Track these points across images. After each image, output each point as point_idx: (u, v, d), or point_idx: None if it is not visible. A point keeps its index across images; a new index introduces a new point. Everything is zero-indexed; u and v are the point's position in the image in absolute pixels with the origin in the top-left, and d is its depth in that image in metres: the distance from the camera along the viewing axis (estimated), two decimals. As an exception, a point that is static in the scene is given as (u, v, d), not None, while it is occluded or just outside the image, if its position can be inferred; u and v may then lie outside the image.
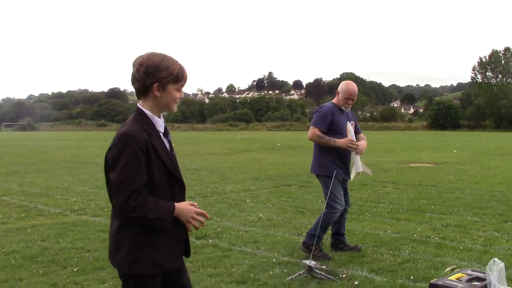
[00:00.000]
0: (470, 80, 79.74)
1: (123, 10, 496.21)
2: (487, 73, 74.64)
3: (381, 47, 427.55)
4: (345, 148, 5.42)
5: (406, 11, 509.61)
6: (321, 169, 5.62)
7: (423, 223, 7.19)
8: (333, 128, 5.54)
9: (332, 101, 5.76)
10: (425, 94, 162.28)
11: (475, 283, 3.70)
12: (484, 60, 74.70)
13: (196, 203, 2.56)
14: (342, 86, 5.68)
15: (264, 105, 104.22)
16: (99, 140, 39.40)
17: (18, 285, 4.72)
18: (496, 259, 3.62)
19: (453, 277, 3.82)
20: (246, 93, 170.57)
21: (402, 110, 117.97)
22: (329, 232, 5.92)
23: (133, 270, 2.41)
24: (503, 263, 3.65)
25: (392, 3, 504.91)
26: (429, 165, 16.39)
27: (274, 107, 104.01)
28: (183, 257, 2.65)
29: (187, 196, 2.64)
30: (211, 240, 6.28)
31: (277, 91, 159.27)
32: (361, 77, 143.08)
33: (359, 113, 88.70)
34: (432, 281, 3.84)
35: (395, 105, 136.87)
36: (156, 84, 2.44)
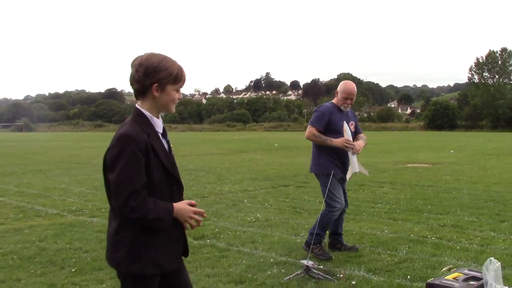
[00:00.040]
0: (467, 81, 79.91)
1: (120, 11, 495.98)
2: (484, 74, 74.77)
3: (378, 47, 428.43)
4: (341, 147, 5.45)
5: (403, 12, 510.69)
6: (319, 168, 5.66)
7: (420, 223, 7.22)
8: (330, 127, 5.56)
9: (332, 101, 5.79)
10: (422, 94, 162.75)
11: (471, 282, 3.71)
12: (481, 60, 74.87)
13: (194, 201, 2.57)
14: (340, 86, 5.71)
15: (261, 105, 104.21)
16: (96, 140, 39.36)
17: (16, 285, 4.73)
18: (492, 258, 3.64)
19: (450, 277, 3.83)
20: (244, 93, 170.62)
21: (399, 111, 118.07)
22: (327, 231, 5.93)
23: (133, 270, 2.41)
24: (499, 263, 3.67)
25: (390, 4, 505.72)
26: (426, 165, 16.43)
27: (271, 107, 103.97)
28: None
29: (184, 196, 2.65)
30: (209, 241, 6.29)
31: (274, 92, 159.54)
32: (358, 77, 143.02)
33: (356, 113, 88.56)
34: (429, 280, 3.85)
35: (392, 105, 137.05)
36: (156, 84, 2.44)
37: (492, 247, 5.82)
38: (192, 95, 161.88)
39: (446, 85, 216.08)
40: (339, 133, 5.50)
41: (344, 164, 5.65)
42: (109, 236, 2.48)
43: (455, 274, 3.89)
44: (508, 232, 6.52)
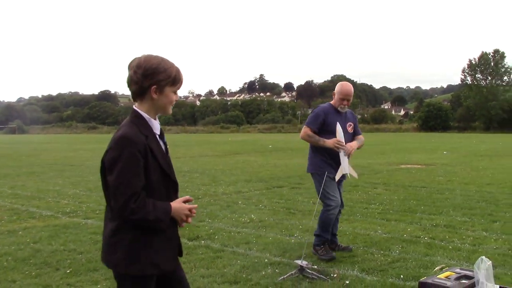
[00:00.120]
0: (460, 82, 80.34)
1: (113, 13, 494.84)
2: (476, 75, 75.15)
3: (372, 49, 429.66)
4: (332, 148, 5.49)
5: (397, 14, 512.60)
6: (314, 168, 5.74)
7: (413, 223, 7.27)
8: (326, 128, 5.61)
9: (331, 102, 5.84)
10: (416, 96, 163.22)
11: (463, 281, 3.76)
12: (473, 62, 75.27)
13: (188, 196, 2.58)
14: (337, 87, 5.76)
15: (255, 107, 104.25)
16: (90, 143, 39.27)
17: (11, 286, 4.73)
18: (483, 257, 3.68)
19: (442, 276, 3.88)
20: (238, 95, 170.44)
21: (393, 112, 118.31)
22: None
23: (132, 271, 2.41)
24: (490, 261, 3.71)
25: (383, 6, 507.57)
26: (419, 166, 16.52)
27: (265, 109, 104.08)
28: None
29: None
30: (203, 241, 6.31)
31: (268, 94, 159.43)
32: (352, 79, 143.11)
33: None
34: (422, 279, 3.90)
35: (386, 107, 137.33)
36: (154, 86, 2.43)
37: (484, 247, 5.88)
38: (186, 97, 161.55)
39: (439, 86, 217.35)
40: (334, 133, 5.54)
41: (338, 164, 5.69)
42: (105, 237, 2.48)
43: (447, 273, 3.93)
44: (500, 232, 6.59)
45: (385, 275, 4.88)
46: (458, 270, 3.99)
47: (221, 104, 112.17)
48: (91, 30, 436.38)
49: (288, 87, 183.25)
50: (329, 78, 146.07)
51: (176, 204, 2.49)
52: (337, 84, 5.82)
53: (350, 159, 5.65)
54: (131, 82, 2.46)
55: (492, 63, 74.04)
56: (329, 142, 5.48)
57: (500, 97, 70.72)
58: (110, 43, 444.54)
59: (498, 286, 3.76)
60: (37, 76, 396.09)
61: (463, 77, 77.15)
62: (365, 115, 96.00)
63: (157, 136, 2.51)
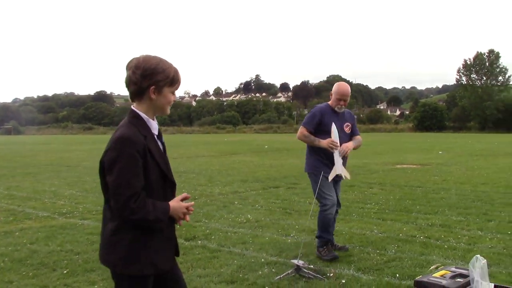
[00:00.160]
0: (455, 82, 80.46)
1: (109, 13, 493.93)
2: (471, 75, 75.36)
3: (368, 49, 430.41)
4: (327, 148, 5.51)
5: (392, 14, 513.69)
6: (310, 167, 5.77)
7: (409, 223, 7.31)
8: (322, 128, 5.62)
9: (328, 102, 5.86)
10: (411, 96, 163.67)
11: (458, 279, 3.78)
12: (468, 62, 75.48)
13: (185, 194, 2.59)
14: (334, 87, 5.78)
15: (251, 107, 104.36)
16: (86, 143, 39.21)
17: (8, 287, 4.74)
18: (478, 256, 3.70)
19: (437, 274, 3.90)
20: (233, 95, 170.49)
21: (389, 112, 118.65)
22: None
23: (132, 271, 2.41)
24: (485, 260, 3.73)
25: (378, 6, 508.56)
26: (415, 166, 16.57)
27: (261, 109, 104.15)
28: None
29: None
30: (200, 242, 6.33)
31: (264, 94, 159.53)
32: (347, 79, 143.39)
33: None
34: (417, 278, 3.92)
35: (382, 107, 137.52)
36: (153, 87, 2.44)
37: (479, 246, 5.92)
38: (182, 98, 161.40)
39: (434, 86, 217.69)
40: (330, 134, 5.56)
41: (333, 164, 5.71)
42: (105, 237, 2.48)
43: (443, 272, 3.96)
44: (495, 231, 6.64)
45: (381, 274, 4.90)
46: (453, 269, 4.01)
47: (217, 104, 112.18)
48: (87, 31, 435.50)
49: (284, 87, 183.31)
50: (325, 79, 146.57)
51: (174, 203, 2.50)
52: (335, 85, 5.85)
53: (347, 159, 5.68)
54: (129, 83, 2.46)
55: (487, 63, 74.29)
56: (323, 142, 5.50)
57: (495, 97, 70.95)
58: (106, 43, 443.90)
59: (493, 284, 3.79)
60: (33, 77, 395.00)
61: (458, 77, 77.50)
62: (361, 115, 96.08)
63: (155, 137, 2.52)
